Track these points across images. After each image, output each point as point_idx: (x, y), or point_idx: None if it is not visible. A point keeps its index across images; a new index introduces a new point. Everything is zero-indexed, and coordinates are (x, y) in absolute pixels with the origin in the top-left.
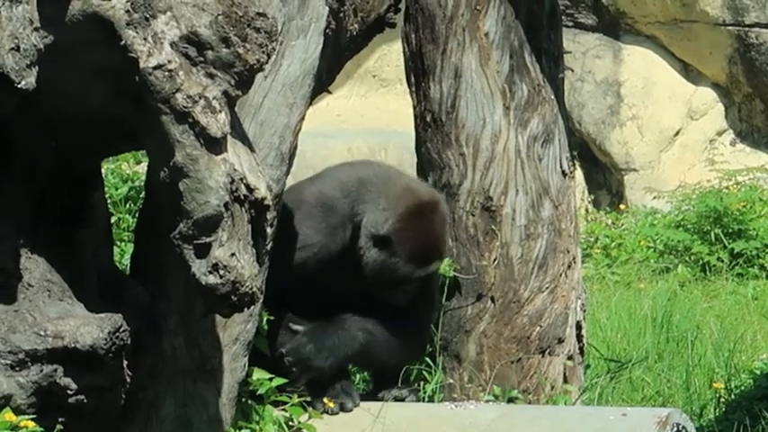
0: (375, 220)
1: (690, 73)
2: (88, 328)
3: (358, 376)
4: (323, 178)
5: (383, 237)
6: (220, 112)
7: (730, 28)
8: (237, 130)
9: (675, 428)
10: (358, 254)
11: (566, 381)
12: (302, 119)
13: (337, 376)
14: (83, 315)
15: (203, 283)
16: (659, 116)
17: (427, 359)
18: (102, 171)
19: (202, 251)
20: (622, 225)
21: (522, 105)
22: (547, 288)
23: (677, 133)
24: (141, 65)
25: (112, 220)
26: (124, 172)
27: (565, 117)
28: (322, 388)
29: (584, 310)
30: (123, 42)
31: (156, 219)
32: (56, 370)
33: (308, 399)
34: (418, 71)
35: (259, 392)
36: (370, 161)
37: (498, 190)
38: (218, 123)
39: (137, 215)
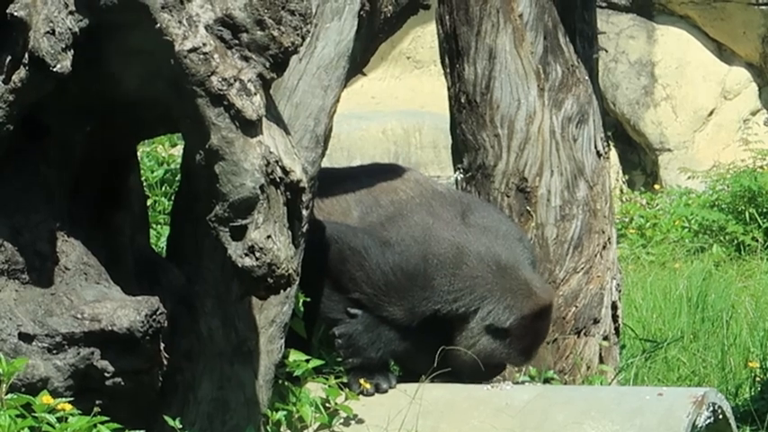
0: (497, 313)
1: (723, 53)
2: (125, 310)
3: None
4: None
5: (503, 330)
6: (255, 94)
7: (764, 7)
8: (272, 113)
9: (711, 408)
10: (457, 330)
11: (601, 361)
12: (337, 101)
13: (380, 365)
14: (120, 298)
15: (239, 265)
16: (693, 96)
17: None
18: (138, 154)
19: (238, 233)
20: (657, 205)
21: (556, 86)
22: (582, 269)
23: (711, 113)
24: (176, 48)
25: (148, 202)
26: (160, 155)
27: (599, 98)
28: (363, 371)
29: (620, 291)
30: (158, 25)
31: (192, 201)
32: (93, 353)
33: (344, 380)
34: (452, 52)
35: (296, 374)
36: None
37: (533, 171)
38: (253, 106)
39: (173, 198)
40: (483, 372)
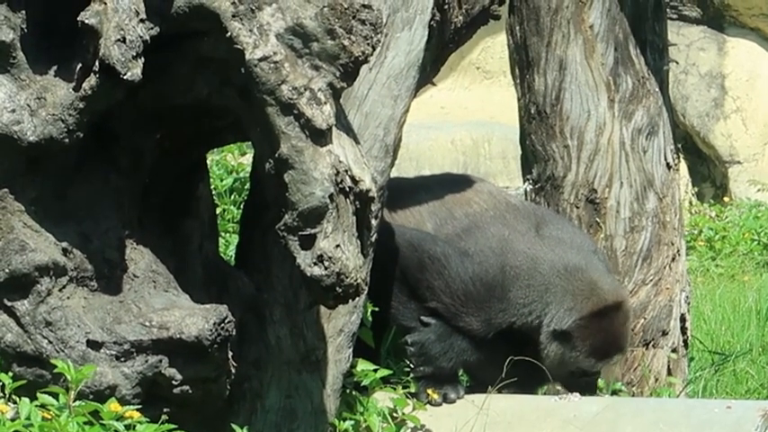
0: (558, 317)
1: None
2: (193, 318)
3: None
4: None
5: (564, 332)
6: (325, 103)
7: None
8: (342, 122)
9: None
10: (533, 343)
11: (670, 373)
12: (407, 111)
13: (450, 375)
14: (188, 306)
15: (308, 274)
16: (764, 109)
17: None
18: (207, 162)
19: (307, 242)
20: (726, 217)
21: (626, 98)
22: (651, 280)
23: None
24: (247, 56)
25: (217, 211)
26: (229, 163)
27: (669, 109)
28: (432, 380)
29: (689, 303)
30: (229, 34)
31: (261, 210)
32: (161, 360)
33: (412, 390)
34: (523, 63)
35: (363, 384)
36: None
37: (603, 182)
38: (323, 115)
39: (241, 206)
40: (574, 383)
